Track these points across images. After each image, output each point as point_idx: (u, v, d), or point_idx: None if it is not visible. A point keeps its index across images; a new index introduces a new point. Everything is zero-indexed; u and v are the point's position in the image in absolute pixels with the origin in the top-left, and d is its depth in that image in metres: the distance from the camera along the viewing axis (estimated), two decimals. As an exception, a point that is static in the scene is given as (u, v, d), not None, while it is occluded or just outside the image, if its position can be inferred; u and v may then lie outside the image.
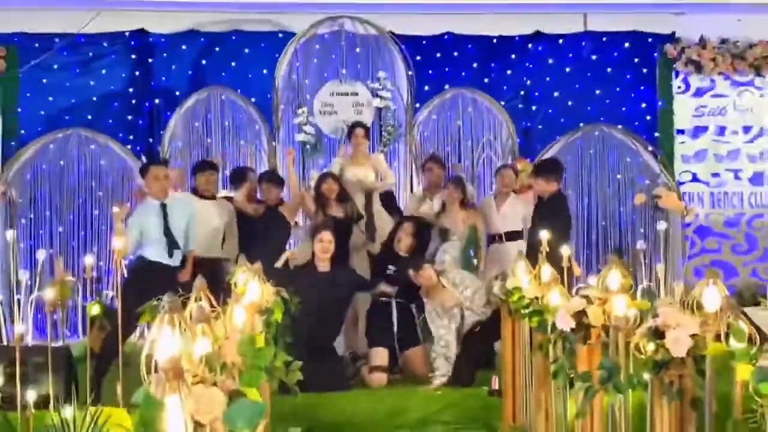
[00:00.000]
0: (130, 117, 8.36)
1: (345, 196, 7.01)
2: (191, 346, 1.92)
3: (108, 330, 6.46)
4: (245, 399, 1.83)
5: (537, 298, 4.48)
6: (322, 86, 8.24)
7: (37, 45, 8.24)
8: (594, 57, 8.60)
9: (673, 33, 8.58)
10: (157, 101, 8.35)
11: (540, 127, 8.53)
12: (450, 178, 7.32)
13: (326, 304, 6.06)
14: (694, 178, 8.60)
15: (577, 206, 8.19)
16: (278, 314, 3.79)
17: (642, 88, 8.61)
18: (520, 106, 8.53)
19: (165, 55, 8.40)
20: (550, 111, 8.53)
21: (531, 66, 8.59)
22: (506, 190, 7.26)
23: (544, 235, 5.14)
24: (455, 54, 8.53)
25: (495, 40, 8.56)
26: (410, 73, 8.25)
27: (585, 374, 3.19)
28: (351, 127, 7.55)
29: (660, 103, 8.58)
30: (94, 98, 8.35)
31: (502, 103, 8.40)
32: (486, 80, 8.54)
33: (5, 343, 6.86)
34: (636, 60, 8.59)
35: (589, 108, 8.52)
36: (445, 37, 8.54)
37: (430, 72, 8.49)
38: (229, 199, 7.11)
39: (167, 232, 5.98)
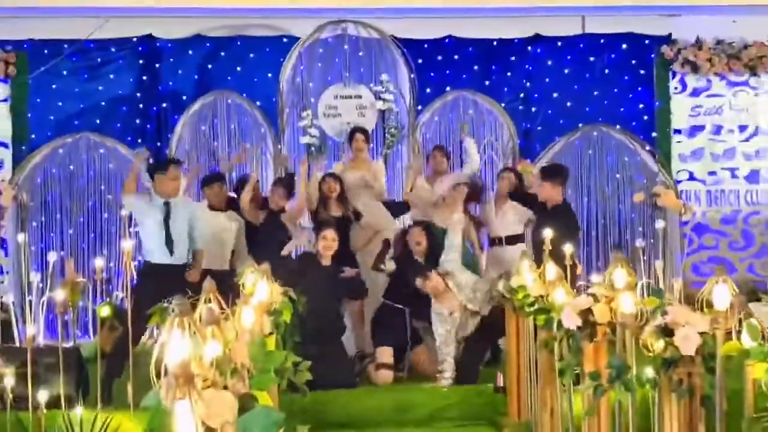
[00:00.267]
0: (137, 121, 8.32)
1: (345, 196, 6.94)
2: (201, 350, 1.83)
3: (119, 331, 6.41)
4: (262, 407, 1.74)
5: (542, 296, 4.41)
6: (326, 89, 8.17)
7: (46, 51, 8.20)
8: (592, 59, 8.54)
9: (670, 34, 8.52)
10: (164, 105, 8.30)
11: (540, 128, 8.47)
12: (464, 183, 7.12)
13: (331, 298, 6.00)
14: (691, 177, 8.54)
15: (576, 205, 8.10)
16: (287, 315, 3.70)
17: (639, 88, 8.55)
18: (520, 107, 8.48)
19: (172, 60, 8.35)
20: (549, 112, 8.48)
21: (530, 68, 8.54)
22: (507, 191, 7.13)
23: (547, 233, 5.08)
24: (456, 57, 8.48)
25: (495, 43, 8.51)
26: (412, 75, 8.18)
27: (594, 373, 3.11)
28: (351, 132, 7.50)
29: (657, 104, 8.52)
30: (103, 103, 8.30)
31: (503, 104, 8.34)
32: (486, 82, 8.49)
33: (17, 343, 6.77)
34: (633, 61, 8.53)
35: (587, 109, 8.46)
36: (446, 40, 8.49)
37: (431, 74, 8.43)
38: (234, 203, 6.98)
39: (167, 231, 5.91)
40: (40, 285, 7.34)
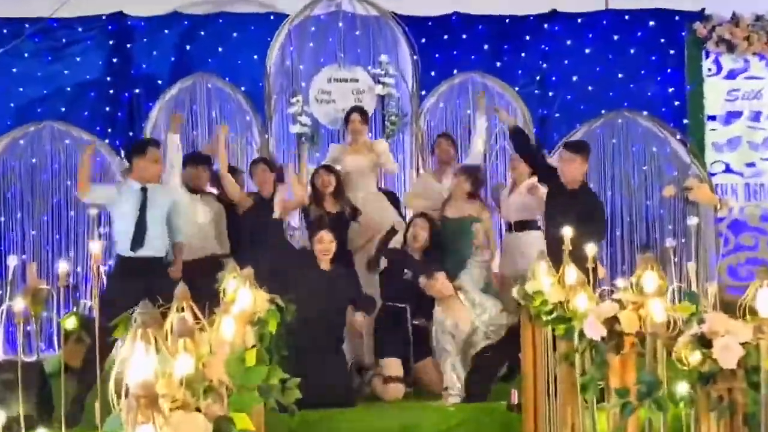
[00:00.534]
0: (108, 108, 8.27)
1: (341, 190, 6.86)
2: (169, 366, 1.76)
3: (87, 343, 6.35)
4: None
5: (561, 302, 4.35)
6: (318, 72, 8.15)
7: (5, 31, 8.17)
8: (616, 37, 8.51)
9: (703, 10, 8.49)
10: (137, 91, 8.27)
11: (557, 114, 8.46)
12: (463, 167, 7.18)
13: (330, 304, 5.95)
14: (727, 169, 8.51)
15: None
16: (272, 325, 3.64)
17: (669, 70, 8.52)
18: (535, 91, 8.46)
19: (145, 40, 8.31)
20: (568, 97, 8.47)
21: (547, 48, 8.51)
22: (519, 179, 7.13)
23: (567, 231, 5.01)
24: (464, 36, 8.45)
25: (507, 20, 8.49)
26: (415, 57, 8.17)
27: (621, 389, 3.05)
28: (348, 112, 7.44)
29: (689, 87, 8.49)
30: (69, 88, 8.26)
31: (516, 88, 8.32)
32: (498, 64, 8.46)
33: (-27, 358, 6.72)
34: (662, 40, 8.51)
35: (611, 93, 8.44)
36: (453, 17, 8.46)
37: (436, 56, 8.41)
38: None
39: (140, 221, 5.84)
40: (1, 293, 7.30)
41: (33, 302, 6.14)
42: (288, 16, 8.17)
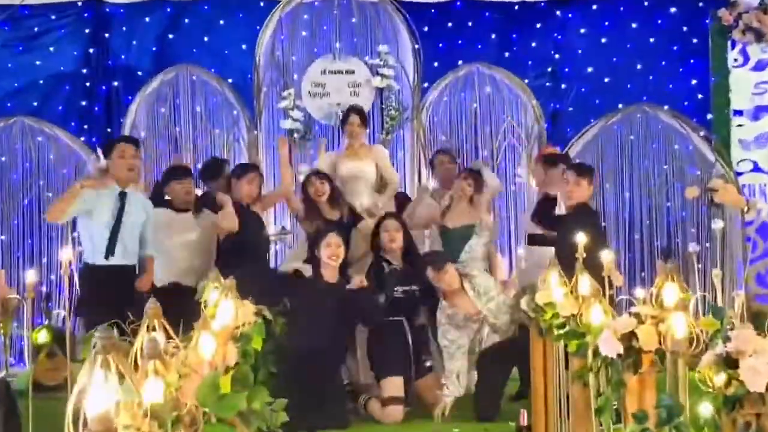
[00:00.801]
0: (83, 103, 8.26)
1: (338, 196, 6.80)
2: (134, 396, 1.70)
3: (59, 358, 6.31)
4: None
5: (574, 315, 4.30)
6: (311, 63, 8.12)
7: (-28, 19, 8.17)
8: (634, 25, 8.51)
9: (729, -5, 8.49)
10: (115, 84, 8.26)
11: (571, 109, 8.46)
12: (463, 170, 7.11)
13: (333, 322, 5.88)
14: (756, 168, 8.47)
15: (617, 202, 8.17)
16: (257, 342, 3.58)
17: (692, 61, 8.53)
18: (547, 84, 8.48)
19: (124, 28, 8.30)
20: (582, 90, 8.48)
21: (560, 37, 8.52)
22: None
23: (581, 238, 4.97)
24: (470, 23, 8.45)
25: (516, 7, 8.50)
26: (416, 46, 8.17)
27: (640, 414, 2.99)
28: (345, 113, 7.38)
29: (713, 79, 8.47)
30: (41, 81, 8.26)
31: (526, 81, 8.33)
32: (506, 54, 8.47)
33: (-63, 374, 6.67)
34: (684, 28, 8.51)
35: (629, 86, 8.45)
36: (458, 3, 8.46)
37: (440, 45, 8.42)
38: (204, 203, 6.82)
39: (115, 227, 5.77)
40: (-35, 303, 7.24)
41: (2, 314, 6.11)
42: (279, 2, 8.16)
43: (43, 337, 6.79)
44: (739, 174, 8.34)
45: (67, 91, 8.25)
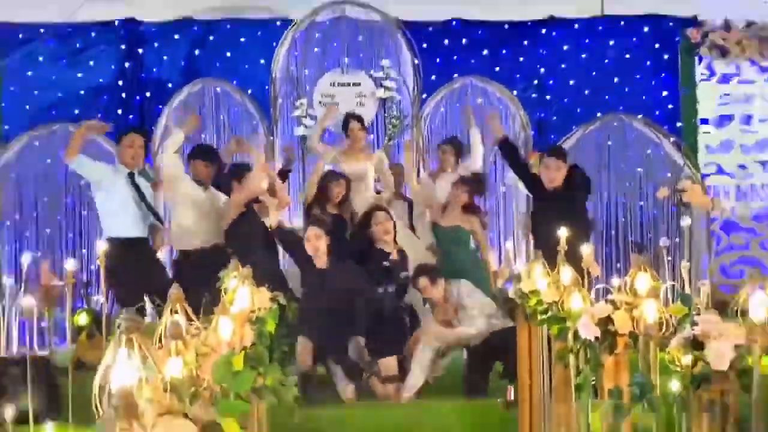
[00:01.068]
0: (119, 111, 8.21)
1: (347, 198, 6.75)
2: (155, 374, 1.66)
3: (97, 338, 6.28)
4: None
5: (556, 302, 4.25)
6: (322, 77, 8.09)
7: (21, 35, 8.13)
8: (612, 42, 8.46)
9: (696, 16, 8.42)
10: (147, 94, 8.22)
11: (555, 118, 8.40)
12: (461, 177, 7.00)
13: (333, 303, 5.79)
14: (720, 170, 8.43)
15: (595, 201, 8.03)
16: (271, 325, 3.54)
17: (663, 75, 8.46)
18: (533, 95, 8.40)
19: (156, 45, 8.27)
20: (565, 100, 8.42)
21: (545, 53, 8.45)
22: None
23: (563, 232, 4.94)
24: (464, 41, 8.39)
25: (506, 26, 8.44)
26: (416, 61, 8.09)
27: (615, 390, 2.95)
28: (344, 120, 7.31)
29: (682, 91, 8.42)
30: (82, 92, 8.21)
31: (515, 92, 8.25)
32: (497, 68, 8.39)
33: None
34: (656, 45, 8.45)
35: (607, 97, 8.39)
36: (453, 23, 8.40)
37: (437, 60, 8.35)
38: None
39: (144, 201, 6.07)
40: (14, 289, 7.20)
41: (46, 299, 6.11)
42: (293, 22, 8.10)
43: (83, 319, 6.74)
44: (705, 176, 8.27)
45: (105, 101, 8.21)
